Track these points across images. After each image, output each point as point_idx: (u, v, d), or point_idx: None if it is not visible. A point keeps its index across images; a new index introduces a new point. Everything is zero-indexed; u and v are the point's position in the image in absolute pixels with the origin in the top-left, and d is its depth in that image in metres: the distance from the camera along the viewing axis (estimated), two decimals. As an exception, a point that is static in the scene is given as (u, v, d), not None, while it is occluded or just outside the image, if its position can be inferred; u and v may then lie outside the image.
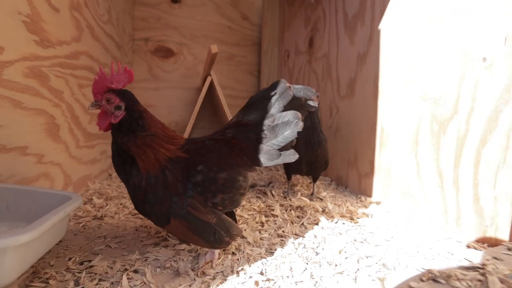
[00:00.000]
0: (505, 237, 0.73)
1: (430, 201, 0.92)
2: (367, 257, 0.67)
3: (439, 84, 0.89)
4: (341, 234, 0.81)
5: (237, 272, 0.60)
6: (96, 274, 0.58)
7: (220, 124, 2.15)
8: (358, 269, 0.62)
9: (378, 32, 1.16)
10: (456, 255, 0.70)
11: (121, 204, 1.04)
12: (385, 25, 1.13)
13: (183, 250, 0.70)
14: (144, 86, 2.05)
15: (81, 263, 0.62)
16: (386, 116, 1.13)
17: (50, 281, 0.55)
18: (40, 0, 0.83)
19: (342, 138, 1.40)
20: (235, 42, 2.24)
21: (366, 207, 1.09)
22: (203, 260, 0.64)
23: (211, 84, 1.64)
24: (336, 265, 0.64)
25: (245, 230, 0.81)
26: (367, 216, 0.97)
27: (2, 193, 0.59)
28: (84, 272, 0.58)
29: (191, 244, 0.72)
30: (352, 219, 0.94)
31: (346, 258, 0.67)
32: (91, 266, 0.61)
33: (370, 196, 1.20)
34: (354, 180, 1.32)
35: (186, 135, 1.67)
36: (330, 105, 1.50)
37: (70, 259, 0.64)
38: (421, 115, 0.96)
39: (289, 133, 0.63)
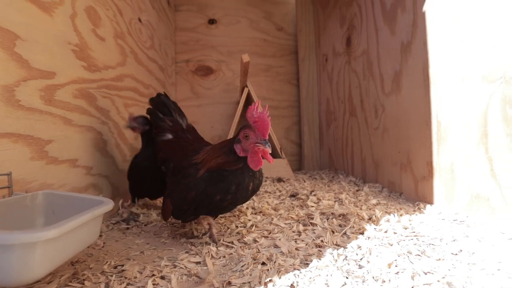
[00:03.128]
0: None
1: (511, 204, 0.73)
2: (426, 274, 0.55)
3: (510, 59, 0.73)
4: (391, 245, 0.68)
5: (265, 284, 0.54)
6: (126, 278, 0.58)
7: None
8: (412, 287, 0.50)
9: (423, 14, 1.03)
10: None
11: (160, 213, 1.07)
12: (431, 5, 1.00)
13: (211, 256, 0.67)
14: (187, 104, 2.17)
15: (115, 267, 0.64)
16: (442, 108, 0.97)
17: (85, 282, 0.57)
18: (88, 31, 0.94)
19: (391, 139, 1.25)
20: (271, 53, 2.25)
21: (425, 214, 0.92)
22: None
23: (249, 95, 1.65)
24: (384, 281, 0.53)
25: (279, 239, 0.75)
26: (427, 224, 0.82)
27: (49, 198, 0.64)
28: (114, 276, 0.59)
29: None
30: (406, 228, 0.80)
31: (397, 273, 0.56)
32: (123, 270, 0.62)
33: (430, 202, 1.03)
34: (410, 185, 1.15)
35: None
36: (374, 105, 1.37)
37: (106, 262, 0.66)
38: (489, 100, 0.79)
39: None
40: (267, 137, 0.65)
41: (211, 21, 2.19)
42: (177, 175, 0.76)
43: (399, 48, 1.17)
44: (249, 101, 1.73)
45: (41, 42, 0.72)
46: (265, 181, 1.57)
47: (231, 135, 1.67)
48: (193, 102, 2.18)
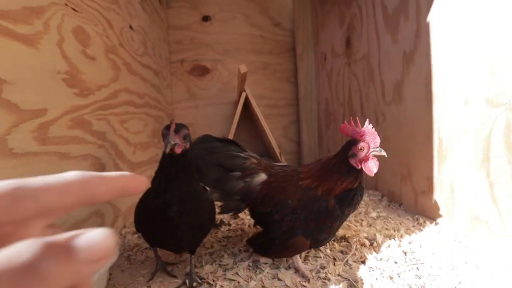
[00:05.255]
0: None
1: (511, 231, 0.74)
2: (427, 317, 0.56)
3: (514, 87, 0.71)
4: (392, 278, 0.70)
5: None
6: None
7: (258, 137, 2.13)
8: (414, 336, 0.52)
9: (427, 25, 0.99)
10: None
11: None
12: (435, 16, 0.95)
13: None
14: (184, 105, 2.13)
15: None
16: (444, 125, 0.95)
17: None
18: (77, 54, 0.90)
19: (391, 149, 1.24)
20: (268, 50, 2.19)
21: (424, 233, 0.93)
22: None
23: (247, 98, 1.62)
24: (386, 327, 0.55)
25: (280, 270, 0.76)
26: (427, 247, 0.83)
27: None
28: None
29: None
30: (406, 253, 0.81)
31: (399, 316, 0.57)
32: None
33: (430, 217, 1.04)
34: (409, 197, 1.15)
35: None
36: (375, 112, 1.35)
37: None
38: (492, 125, 0.78)
39: None
40: (378, 145, 0.72)
41: (205, 18, 2.11)
42: (308, 210, 0.74)
43: (401, 56, 1.13)
44: (247, 103, 1.70)
45: (28, 80, 0.68)
46: (265, 188, 1.58)
47: (231, 136, 1.64)
48: (189, 103, 2.14)
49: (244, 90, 1.58)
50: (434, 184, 1.01)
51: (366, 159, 0.71)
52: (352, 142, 0.73)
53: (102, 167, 1.01)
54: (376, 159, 0.72)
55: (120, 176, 0.24)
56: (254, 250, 0.82)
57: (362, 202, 1.25)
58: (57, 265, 0.16)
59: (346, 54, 1.59)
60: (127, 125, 1.27)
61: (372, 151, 0.71)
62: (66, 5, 0.84)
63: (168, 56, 2.09)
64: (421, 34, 1.01)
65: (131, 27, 1.38)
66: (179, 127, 0.67)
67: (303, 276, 0.74)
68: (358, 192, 0.74)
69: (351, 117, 0.76)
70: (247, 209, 0.83)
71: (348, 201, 0.73)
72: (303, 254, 0.83)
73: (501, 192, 0.76)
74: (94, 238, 0.17)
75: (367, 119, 0.74)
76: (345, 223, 1.03)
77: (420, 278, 0.69)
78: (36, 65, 0.71)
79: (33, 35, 0.70)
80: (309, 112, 2.11)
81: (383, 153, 0.71)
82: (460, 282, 0.67)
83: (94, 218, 0.94)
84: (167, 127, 0.67)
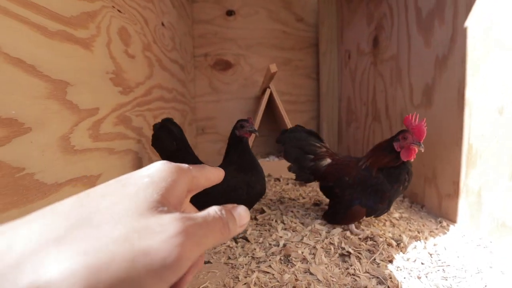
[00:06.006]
0: None
1: (539, 240, 0.76)
2: (456, 317, 0.60)
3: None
4: (419, 278, 0.73)
5: (309, 322, 0.60)
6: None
7: (279, 132, 2.16)
8: (445, 334, 0.56)
9: (464, 30, 0.98)
10: None
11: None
12: (473, 22, 0.95)
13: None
14: (206, 99, 2.18)
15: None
16: (475, 132, 0.96)
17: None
18: (121, 53, 0.95)
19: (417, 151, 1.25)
20: (291, 46, 2.19)
21: (448, 236, 0.96)
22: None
23: (271, 94, 1.65)
24: (417, 323, 0.59)
25: (311, 264, 0.81)
26: (452, 250, 0.86)
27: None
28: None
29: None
30: (432, 254, 0.84)
31: (429, 315, 0.61)
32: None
33: (453, 221, 1.06)
34: (433, 200, 1.17)
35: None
36: (401, 114, 1.35)
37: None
38: (525, 135, 0.79)
39: None
40: (421, 141, 0.87)
41: (229, 13, 2.12)
42: (362, 184, 0.97)
43: (433, 61, 1.13)
44: (270, 100, 1.73)
45: (85, 81, 0.74)
46: (287, 184, 1.62)
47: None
48: (212, 97, 2.18)
49: (269, 87, 1.61)
50: (461, 189, 1.02)
51: (406, 146, 0.89)
52: (403, 131, 0.91)
53: (139, 162, 1.08)
54: (414, 150, 0.88)
55: (213, 169, 0.32)
56: (327, 221, 1.06)
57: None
58: (233, 224, 0.25)
59: (373, 53, 1.58)
60: (158, 120, 1.33)
61: (413, 143, 0.87)
62: (113, 7, 0.89)
63: (192, 50, 2.13)
64: (457, 39, 1.01)
65: (162, 24, 1.42)
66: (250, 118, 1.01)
67: (356, 234, 0.96)
68: (404, 171, 0.93)
69: (415, 113, 0.91)
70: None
71: (394, 176, 0.93)
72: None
73: (532, 201, 0.78)
74: (244, 211, 0.27)
75: (424, 119, 0.88)
76: (369, 223, 1.07)
77: (446, 279, 0.72)
78: (91, 67, 0.77)
79: (88, 39, 0.75)
80: (330, 109, 2.12)
81: (421, 148, 0.86)
82: (485, 286, 0.70)
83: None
84: (246, 120, 0.97)
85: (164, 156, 1.03)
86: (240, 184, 0.92)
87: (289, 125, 1.68)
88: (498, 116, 0.87)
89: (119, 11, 0.93)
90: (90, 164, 0.75)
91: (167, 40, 1.50)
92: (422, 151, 0.87)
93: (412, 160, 0.93)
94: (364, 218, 1.03)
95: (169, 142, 1.01)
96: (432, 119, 1.15)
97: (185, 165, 0.28)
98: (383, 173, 0.94)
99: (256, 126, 1.74)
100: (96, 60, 0.79)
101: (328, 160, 1.07)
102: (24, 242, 0.18)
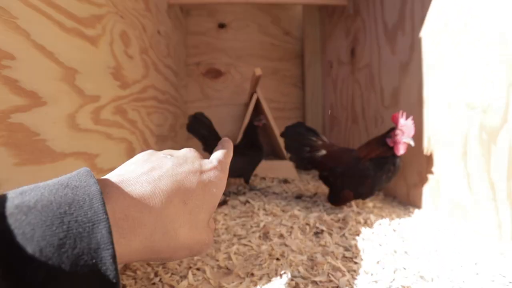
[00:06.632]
0: None
1: (482, 214, 0.88)
2: (405, 269, 0.70)
3: (486, 92, 0.86)
4: (381, 245, 0.84)
5: (280, 275, 0.70)
6: (169, 269, 0.74)
7: (266, 136, 2.28)
8: (393, 279, 0.66)
9: (419, 40, 1.15)
10: (507, 271, 0.67)
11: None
12: (426, 33, 1.11)
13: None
14: (198, 105, 2.30)
15: (157, 262, 0.79)
16: (432, 126, 1.10)
17: (137, 272, 0.73)
18: (121, 53, 1.07)
19: (388, 147, 1.38)
20: (279, 57, 2.36)
21: (412, 218, 1.07)
22: None
23: (257, 99, 1.78)
24: (372, 274, 0.68)
25: (287, 239, 0.90)
26: (413, 227, 0.97)
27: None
28: (160, 267, 0.74)
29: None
30: (394, 230, 0.95)
31: (383, 268, 0.71)
32: (164, 263, 0.77)
33: (419, 207, 1.17)
34: (402, 191, 1.29)
35: (235, 148, 1.83)
36: (375, 116, 1.49)
37: (149, 258, 0.81)
38: (469, 125, 0.93)
39: None
40: (411, 136, 1.01)
41: (221, 25, 2.29)
42: (349, 172, 1.12)
43: (398, 66, 1.29)
44: (257, 105, 1.86)
45: (90, 72, 0.85)
46: (272, 182, 1.72)
47: (240, 135, 1.80)
48: (203, 103, 2.31)
49: (256, 92, 1.74)
50: (423, 177, 1.15)
51: (398, 142, 1.02)
52: (394, 128, 1.04)
53: (133, 151, 1.17)
54: (405, 145, 1.02)
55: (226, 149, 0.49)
56: (330, 202, 1.19)
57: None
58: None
59: (351, 63, 1.75)
60: (152, 117, 1.43)
61: (404, 138, 1.01)
62: (117, 13, 1.01)
63: (185, 58, 2.28)
64: (415, 47, 1.17)
65: (158, 32, 1.56)
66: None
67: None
68: (390, 162, 1.05)
69: (401, 111, 1.05)
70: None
71: (379, 165, 1.06)
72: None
73: (475, 180, 0.91)
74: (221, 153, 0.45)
75: (411, 116, 1.03)
76: (343, 208, 1.18)
77: (404, 247, 0.83)
78: (96, 60, 0.88)
79: (95, 37, 0.87)
80: (315, 116, 2.27)
81: (411, 142, 1.00)
82: (436, 250, 0.80)
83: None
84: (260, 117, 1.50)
85: (199, 138, 1.50)
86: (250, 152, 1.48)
87: (275, 128, 1.80)
88: (448, 110, 1.01)
89: (121, 16, 1.06)
90: (91, 143, 0.84)
91: (162, 46, 1.63)
92: (413, 145, 1.01)
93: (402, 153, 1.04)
94: (354, 200, 1.21)
95: (202, 129, 1.49)
96: (399, 117, 1.29)
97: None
98: (372, 162, 1.07)
99: (242, 130, 1.86)
100: (101, 55, 0.91)
101: (324, 152, 1.21)
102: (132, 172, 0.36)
